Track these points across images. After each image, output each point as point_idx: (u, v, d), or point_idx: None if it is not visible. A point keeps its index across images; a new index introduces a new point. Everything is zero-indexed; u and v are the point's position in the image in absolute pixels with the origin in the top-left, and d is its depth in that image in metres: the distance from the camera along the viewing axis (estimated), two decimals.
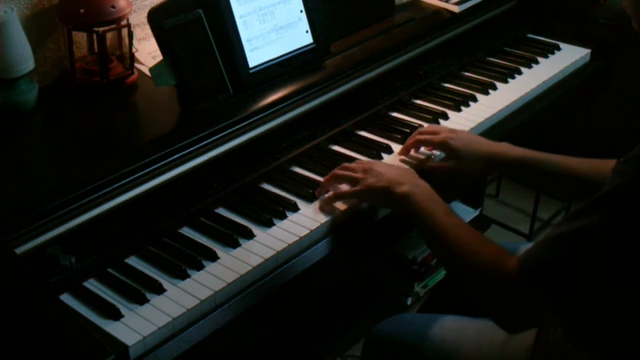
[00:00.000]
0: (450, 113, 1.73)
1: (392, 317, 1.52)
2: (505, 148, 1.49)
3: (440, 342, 1.39)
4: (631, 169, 1.01)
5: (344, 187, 1.42)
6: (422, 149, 1.57)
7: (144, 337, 1.12)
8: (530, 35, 2.12)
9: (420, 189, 1.32)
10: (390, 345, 1.46)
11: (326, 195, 1.42)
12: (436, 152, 1.57)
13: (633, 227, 1.02)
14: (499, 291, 1.16)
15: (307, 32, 1.63)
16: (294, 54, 1.61)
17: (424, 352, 1.39)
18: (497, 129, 1.75)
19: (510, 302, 1.15)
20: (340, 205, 1.40)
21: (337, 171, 1.42)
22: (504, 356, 1.32)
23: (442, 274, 2.27)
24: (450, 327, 1.41)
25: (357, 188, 1.38)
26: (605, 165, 1.36)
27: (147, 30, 1.55)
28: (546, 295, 1.10)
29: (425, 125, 1.67)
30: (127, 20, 1.54)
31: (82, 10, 1.47)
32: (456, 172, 1.49)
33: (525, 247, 1.58)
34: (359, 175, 1.39)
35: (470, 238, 1.22)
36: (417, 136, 1.56)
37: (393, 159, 1.57)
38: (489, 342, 1.35)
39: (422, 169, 1.48)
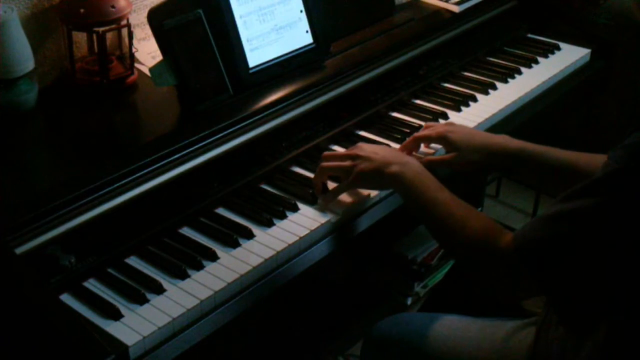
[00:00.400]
0: (450, 113, 1.73)
1: (391, 317, 1.52)
2: (505, 140, 1.49)
3: (440, 341, 1.39)
4: (627, 154, 1.02)
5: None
6: (422, 148, 1.57)
7: (144, 337, 1.12)
8: (530, 35, 2.12)
9: (409, 167, 1.33)
10: (389, 344, 1.46)
11: (324, 195, 1.42)
12: (437, 146, 1.57)
13: (626, 211, 1.03)
14: (490, 263, 1.18)
15: (307, 32, 1.63)
16: (294, 54, 1.61)
17: (424, 351, 1.39)
18: (497, 129, 1.74)
19: (501, 274, 1.17)
20: (341, 199, 1.40)
21: (325, 164, 1.41)
22: (504, 355, 1.32)
23: (442, 273, 2.27)
24: (450, 326, 1.41)
25: (350, 178, 1.38)
26: (604, 160, 1.37)
27: (147, 30, 1.55)
28: (536, 270, 1.11)
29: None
30: (127, 20, 1.54)
31: (82, 10, 1.47)
32: (456, 166, 1.49)
33: None
34: (347, 163, 1.39)
35: (462, 211, 1.24)
36: (415, 134, 1.56)
37: None
38: (489, 341, 1.35)
39: (421, 163, 1.48)
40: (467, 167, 1.50)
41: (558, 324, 1.25)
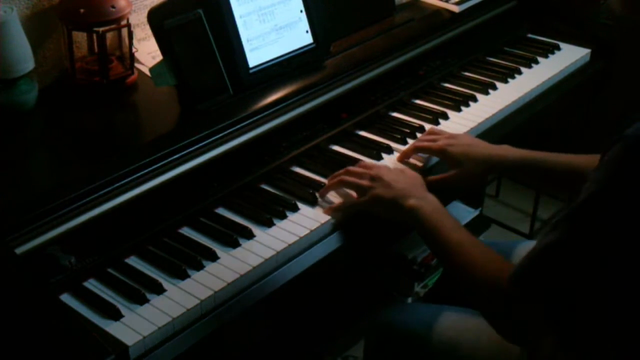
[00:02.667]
0: (450, 113, 1.73)
1: (397, 306, 1.53)
2: (505, 151, 1.50)
3: (441, 331, 1.40)
4: (605, 176, 1.02)
5: (348, 192, 1.42)
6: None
7: (144, 337, 1.12)
8: (530, 35, 2.12)
9: (427, 202, 1.33)
10: (394, 331, 1.47)
11: (331, 202, 1.42)
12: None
13: (611, 232, 1.02)
14: (498, 305, 1.18)
15: (307, 32, 1.63)
16: (294, 54, 1.61)
17: (426, 339, 1.40)
18: (497, 129, 1.75)
19: (509, 315, 1.17)
20: (345, 212, 1.40)
21: (344, 177, 1.41)
22: (501, 350, 1.33)
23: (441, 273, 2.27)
24: (452, 317, 1.42)
25: (364, 199, 1.38)
26: None
27: (147, 30, 1.55)
28: (537, 309, 1.11)
29: (426, 125, 1.67)
30: (127, 20, 1.54)
31: (82, 10, 1.47)
32: (457, 181, 1.49)
33: (523, 245, 1.59)
34: (366, 182, 1.38)
35: (474, 253, 1.23)
36: (416, 143, 1.56)
37: (393, 159, 1.57)
38: (487, 335, 1.36)
39: (434, 180, 1.48)
40: (468, 180, 1.50)
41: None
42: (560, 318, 1.13)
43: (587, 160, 1.42)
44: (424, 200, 1.33)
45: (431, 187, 1.39)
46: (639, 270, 1.03)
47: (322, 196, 1.43)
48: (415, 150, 1.55)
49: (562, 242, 1.06)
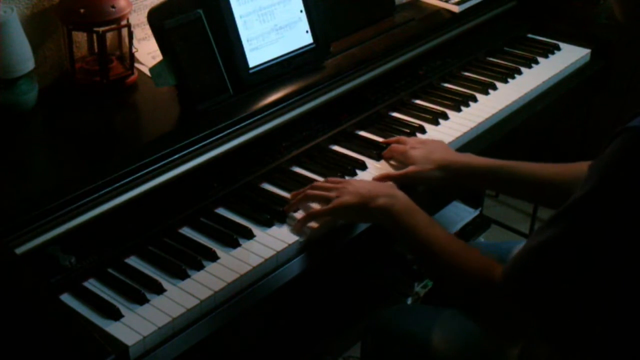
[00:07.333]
0: (450, 113, 1.73)
1: (393, 307, 1.52)
2: (468, 158, 1.49)
3: (440, 334, 1.40)
4: (600, 174, 1.00)
5: (316, 206, 1.39)
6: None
7: (144, 337, 1.12)
8: (530, 35, 2.12)
9: (397, 200, 1.32)
10: (390, 334, 1.47)
11: (297, 215, 1.37)
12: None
13: (606, 231, 1.01)
14: (485, 297, 1.16)
15: (307, 32, 1.63)
16: (294, 54, 1.61)
17: (424, 342, 1.40)
18: (497, 129, 1.75)
19: (495, 307, 1.16)
20: (313, 225, 1.36)
21: (310, 191, 1.39)
22: (500, 351, 1.33)
23: None
24: (450, 319, 1.42)
25: (330, 205, 1.35)
26: (570, 170, 1.35)
27: (147, 30, 1.55)
28: (527, 304, 1.11)
29: (426, 125, 1.67)
30: (127, 20, 1.54)
31: (82, 10, 1.47)
32: (415, 180, 1.48)
33: (522, 245, 1.58)
34: (332, 194, 1.37)
35: (455, 247, 1.22)
36: (391, 147, 1.56)
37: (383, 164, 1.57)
38: (486, 338, 1.36)
39: (380, 177, 1.47)
40: (427, 182, 1.49)
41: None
42: (554, 317, 1.13)
43: (553, 170, 1.41)
44: (394, 199, 1.32)
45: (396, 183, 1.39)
46: (637, 265, 1.03)
47: (289, 211, 1.39)
48: (389, 152, 1.55)
49: (563, 237, 1.04)
